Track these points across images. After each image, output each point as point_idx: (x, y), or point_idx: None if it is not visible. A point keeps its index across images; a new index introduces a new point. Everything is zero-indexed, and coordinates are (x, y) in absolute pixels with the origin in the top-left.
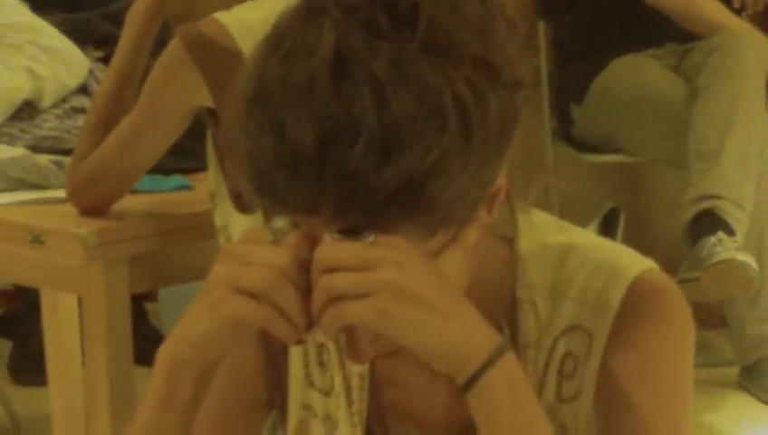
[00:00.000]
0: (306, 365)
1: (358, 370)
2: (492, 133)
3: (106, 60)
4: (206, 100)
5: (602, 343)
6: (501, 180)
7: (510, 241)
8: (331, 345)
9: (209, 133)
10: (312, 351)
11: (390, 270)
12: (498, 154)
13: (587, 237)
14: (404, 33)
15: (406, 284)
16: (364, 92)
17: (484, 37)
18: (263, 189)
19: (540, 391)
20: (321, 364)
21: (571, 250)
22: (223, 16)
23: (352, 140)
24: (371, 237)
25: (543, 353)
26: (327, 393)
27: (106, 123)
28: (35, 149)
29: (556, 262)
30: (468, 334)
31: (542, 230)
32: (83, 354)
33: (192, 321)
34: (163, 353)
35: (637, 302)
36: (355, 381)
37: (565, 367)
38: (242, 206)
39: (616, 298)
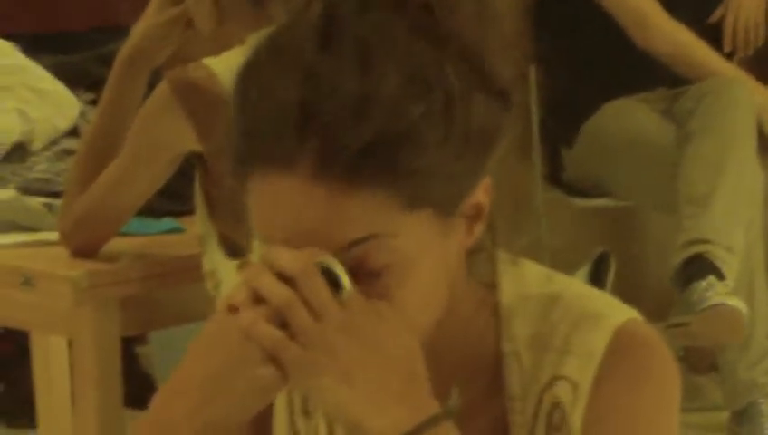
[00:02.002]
0: (291, 414)
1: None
2: (473, 129)
3: (97, 102)
4: (194, 144)
5: (587, 393)
6: (482, 198)
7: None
8: None
9: (197, 178)
10: (297, 399)
11: (328, 326)
12: (478, 156)
13: (572, 287)
14: (396, 12)
15: (329, 343)
16: (350, 54)
17: (476, 39)
18: (247, 146)
19: None
20: (306, 413)
21: (555, 301)
22: (213, 62)
23: (333, 98)
24: (347, 292)
25: (531, 405)
26: None
27: (95, 164)
28: (26, 191)
29: (540, 313)
30: (380, 408)
31: (528, 280)
32: (73, 397)
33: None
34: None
35: (620, 351)
36: (340, 431)
37: (554, 418)
38: (231, 250)
39: (599, 347)
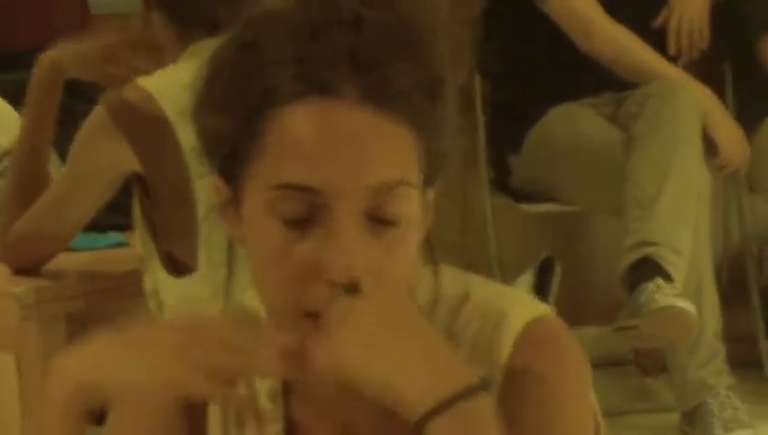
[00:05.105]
0: (225, 426)
1: (274, 431)
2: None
3: None
4: (133, 165)
5: (496, 392)
6: (431, 196)
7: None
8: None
9: (136, 198)
10: (231, 411)
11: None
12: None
13: (482, 286)
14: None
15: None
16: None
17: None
18: (283, 77)
19: None
20: (239, 423)
21: (465, 300)
22: (146, 82)
23: (385, 38)
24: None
25: None
26: None
27: (24, 187)
28: None
29: (451, 312)
30: (419, 375)
31: (441, 283)
32: (22, 414)
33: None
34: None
35: (527, 348)
36: None
37: None
38: (174, 269)
39: (506, 346)
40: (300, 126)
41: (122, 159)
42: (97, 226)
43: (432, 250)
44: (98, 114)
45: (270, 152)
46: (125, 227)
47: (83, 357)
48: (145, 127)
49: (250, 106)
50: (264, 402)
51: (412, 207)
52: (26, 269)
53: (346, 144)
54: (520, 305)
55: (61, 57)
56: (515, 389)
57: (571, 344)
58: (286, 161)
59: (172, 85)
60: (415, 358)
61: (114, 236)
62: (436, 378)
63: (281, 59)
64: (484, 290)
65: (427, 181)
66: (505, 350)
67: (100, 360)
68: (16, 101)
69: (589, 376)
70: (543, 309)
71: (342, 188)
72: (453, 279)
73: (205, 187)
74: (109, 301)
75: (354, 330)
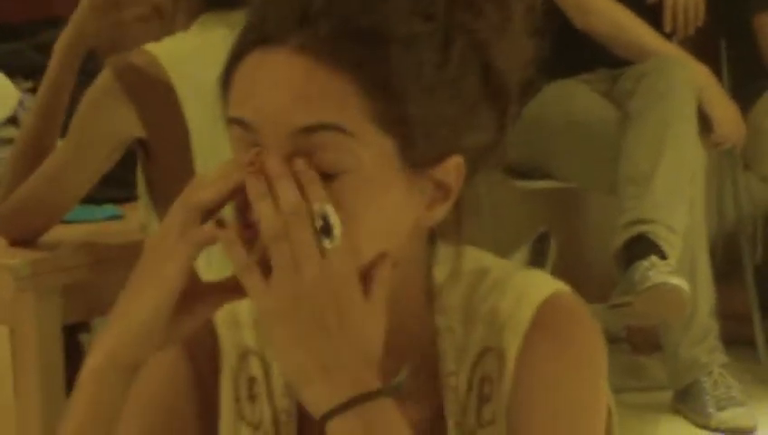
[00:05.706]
0: (237, 400)
1: (284, 406)
2: (461, 95)
3: (36, 90)
4: (137, 130)
5: (513, 364)
6: (451, 179)
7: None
8: (261, 379)
9: (140, 165)
10: (243, 385)
11: (303, 279)
12: (456, 124)
13: (501, 263)
14: None
15: (297, 297)
16: None
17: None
18: (248, 31)
19: (463, 415)
20: (251, 397)
21: (484, 274)
22: (154, 48)
23: None
24: (336, 241)
25: (464, 379)
26: (257, 428)
27: (31, 155)
28: None
29: (469, 287)
30: (322, 378)
31: (462, 260)
32: (15, 386)
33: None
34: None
35: (545, 322)
36: (282, 417)
37: (483, 391)
38: None
39: (525, 318)
40: (244, 72)
41: (126, 123)
42: (93, 198)
43: (459, 231)
44: (104, 77)
45: (231, 102)
46: (121, 199)
47: (108, 329)
48: (150, 90)
49: (228, 62)
50: (278, 377)
51: (352, 158)
52: (22, 241)
53: (275, 85)
54: (537, 282)
55: (69, 36)
56: (530, 367)
57: (586, 319)
58: (232, 104)
59: (179, 53)
60: (326, 364)
61: (110, 209)
62: (337, 385)
63: (248, 17)
64: (502, 267)
65: (415, 153)
66: (523, 326)
67: (117, 322)
68: (12, 71)
69: (604, 351)
70: (560, 285)
71: (268, 122)
72: (470, 257)
73: (203, 158)
74: (105, 273)
75: (290, 313)
